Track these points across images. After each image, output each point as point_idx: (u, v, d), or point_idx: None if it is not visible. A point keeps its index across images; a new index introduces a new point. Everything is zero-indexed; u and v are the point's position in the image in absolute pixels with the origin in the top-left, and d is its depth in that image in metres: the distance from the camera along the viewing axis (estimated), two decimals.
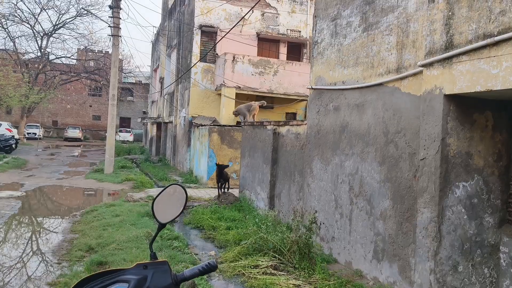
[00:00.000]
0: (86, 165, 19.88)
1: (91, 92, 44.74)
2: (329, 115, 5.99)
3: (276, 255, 5.13)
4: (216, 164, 9.68)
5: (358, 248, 5.06)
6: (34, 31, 32.54)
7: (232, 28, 10.77)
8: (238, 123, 15.11)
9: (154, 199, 1.97)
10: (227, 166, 9.71)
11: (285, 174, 7.62)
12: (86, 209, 9.27)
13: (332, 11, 5.89)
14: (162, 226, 1.93)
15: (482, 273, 3.52)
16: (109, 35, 17.29)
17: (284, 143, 7.75)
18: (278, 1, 17.78)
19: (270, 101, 17.81)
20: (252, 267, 4.93)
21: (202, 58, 16.47)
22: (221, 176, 9.35)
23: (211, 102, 17.04)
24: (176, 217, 1.98)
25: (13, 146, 22.04)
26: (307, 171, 6.58)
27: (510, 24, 2.96)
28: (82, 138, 40.80)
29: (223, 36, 11.07)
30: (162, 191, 2.01)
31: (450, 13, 3.40)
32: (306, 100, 16.39)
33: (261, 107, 11.89)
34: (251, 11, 16.90)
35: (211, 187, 13.24)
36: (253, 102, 11.77)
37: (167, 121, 22.60)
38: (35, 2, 38.15)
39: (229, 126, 14.34)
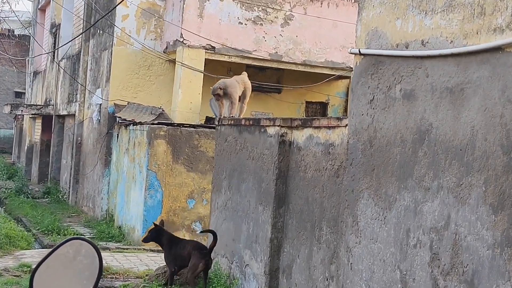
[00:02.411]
0: None
1: None
2: (394, 108, 6.05)
3: None
4: (154, 226, 9.79)
5: None
6: None
7: None
8: (210, 120, 15.45)
9: (34, 270, 2.15)
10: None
11: (302, 226, 7.72)
12: None
13: None
14: None
15: None
16: None
17: (301, 163, 7.88)
18: None
19: (275, 77, 18.02)
20: None
21: None
22: (176, 256, 9.49)
23: (154, 76, 17.33)
24: None
25: None
26: (346, 221, 6.69)
27: None
28: None
29: None
30: (51, 252, 2.20)
31: None
32: (348, 77, 16.53)
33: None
34: None
35: (152, 250, 13.35)
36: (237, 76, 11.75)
37: (65, 113, 22.83)
38: None
39: (190, 126, 14.64)
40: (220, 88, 10.85)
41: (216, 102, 11.46)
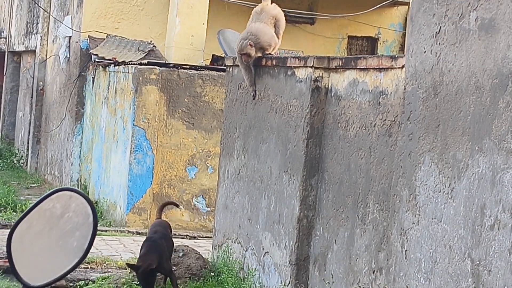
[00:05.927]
0: None
1: None
2: (467, 44, 5.82)
3: None
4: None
5: None
6: None
7: None
8: (218, 60, 15.36)
9: (12, 230, 2.30)
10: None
11: (341, 202, 7.63)
12: None
13: None
14: None
15: None
16: None
17: (341, 117, 7.78)
18: None
19: (307, 2, 17.77)
20: None
21: None
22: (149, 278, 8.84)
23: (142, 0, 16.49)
24: (73, 269, 2.32)
25: None
26: (400, 195, 6.53)
27: None
28: None
29: None
30: (33, 208, 2.37)
31: None
32: (406, 3, 16.52)
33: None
34: None
35: (139, 233, 13.15)
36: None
37: (22, 48, 22.53)
38: None
39: (192, 67, 14.25)
40: (251, 45, 9.01)
41: (245, 64, 9.47)
